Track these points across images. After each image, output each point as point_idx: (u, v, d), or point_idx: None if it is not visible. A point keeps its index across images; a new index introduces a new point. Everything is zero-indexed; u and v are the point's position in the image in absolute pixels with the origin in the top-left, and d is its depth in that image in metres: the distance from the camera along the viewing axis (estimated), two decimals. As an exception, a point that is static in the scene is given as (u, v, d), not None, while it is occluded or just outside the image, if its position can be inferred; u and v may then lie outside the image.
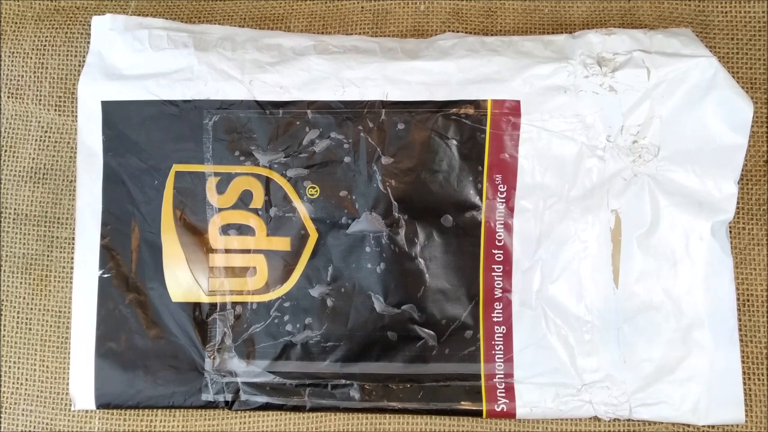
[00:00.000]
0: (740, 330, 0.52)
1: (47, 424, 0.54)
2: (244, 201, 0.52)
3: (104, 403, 0.52)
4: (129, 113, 0.53)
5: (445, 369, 0.51)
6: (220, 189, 0.52)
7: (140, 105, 0.53)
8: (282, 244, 0.52)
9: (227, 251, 0.52)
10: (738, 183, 0.51)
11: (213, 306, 0.52)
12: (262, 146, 0.52)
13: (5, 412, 0.54)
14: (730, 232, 0.53)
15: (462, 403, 0.51)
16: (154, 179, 0.53)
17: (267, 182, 0.52)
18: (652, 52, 0.51)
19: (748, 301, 0.52)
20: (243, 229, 0.52)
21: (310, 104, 0.52)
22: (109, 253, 0.53)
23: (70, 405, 0.53)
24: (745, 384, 0.51)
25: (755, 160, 0.54)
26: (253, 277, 0.52)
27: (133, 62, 0.54)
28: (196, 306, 0.52)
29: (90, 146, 0.54)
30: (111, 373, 0.52)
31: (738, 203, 0.52)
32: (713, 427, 0.51)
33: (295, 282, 0.52)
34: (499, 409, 0.50)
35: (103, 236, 0.53)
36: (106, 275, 0.53)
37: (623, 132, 0.51)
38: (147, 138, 0.53)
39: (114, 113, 0.53)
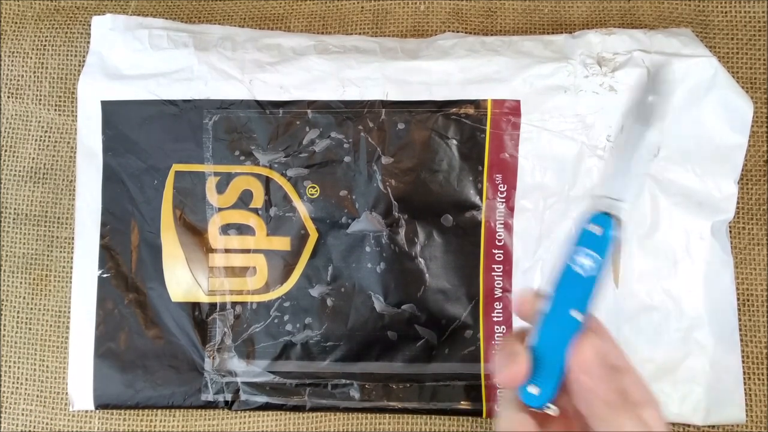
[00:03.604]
0: (740, 330, 0.52)
1: (47, 424, 0.54)
2: (244, 201, 0.52)
3: (103, 403, 0.52)
4: (129, 113, 0.53)
5: (445, 369, 0.51)
6: (220, 189, 0.52)
7: (140, 105, 0.53)
8: (282, 243, 0.52)
9: (227, 251, 0.52)
10: (738, 183, 0.51)
11: (213, 306, 0.52)
12: (262, 146, 0.52)
13: (5, 412, 0.54)
14: (730, 232, 0.53)
15: (462, 402, 0.51)
16: (154, 179, 0.53)
17: (267, 182, 0.52)
18: (651, 51, 0.51)
19: (748, 301, 0.52)
20: (243, 229, 0.52)
21: (310, 104, 0.52)
22: (108, 253, 0.53)
23: (69, 405, 0.53)
24: (745, 384, 0.51)
25: (755, 160, 0.54)
26: (253, 277, 0.52)
27: (133, 62, 0.54)
28: (196, 306, 0.52)
29: (90, 146, 0.54)
30: (110, 374, 0.52)
31: (738, 203, 0.52)
32: (714, 427, 0.51)
33: (295, 282, 0.52)
34: (499, 409, 0.51)
35: (102, 236, 0.53)
36: (105, 275, 0.53)
37: (623, 132, 0.51)
38: (147, 138, 0.53)
39: (114, 113, 0.53)
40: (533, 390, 0.33)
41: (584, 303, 0.33)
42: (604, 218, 0.34)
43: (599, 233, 0.34)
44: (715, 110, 0.50)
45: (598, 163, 0.51)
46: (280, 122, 0.52)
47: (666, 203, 0.50)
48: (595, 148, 0.51)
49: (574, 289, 0.33)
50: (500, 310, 0.51)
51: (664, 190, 0.51)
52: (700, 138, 0.51)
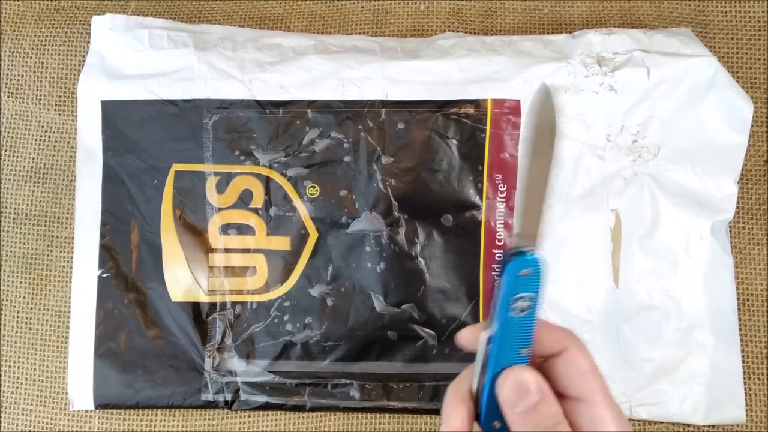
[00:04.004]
0: (740, 330, 0.52)
1: (47, 423, 0.54)
2: (244, 200, 0.52)
3: (103, 403, 0.52)
4: (129, 113, 0.53)
5: (445, 368, 0.51)
6: (220, 188, 0.52)
7: (140, 104, 0.53)
8: (282, 243, 0.52)
9: (227, 251, 0.52)
10: (738, 182, 0.51)
11: (213, 305, 0.52)
12: (262, 146, 0.52)
13: (5, 412, 0.54)
14: (730, 231, 0.53)
15: (462, 402, 0.51)
16: (154, 179, 0.53)
17: (267, 182, 0.52)
18: (651, 51, 0.51)
19: (748, 300, 0.52)
20: (243, 229, 0.52)
21: (310, 104, 0.52)
22: (108, 253, 0.53)
23: (69, 405, 0.53)
24: (745, 384, 0.51)
25: (755, 160, 0.54)
26: (253, 277, 0.52)
27: (133, 62, 0.54)
28: (196, 306, 0.52)
29: (90, 146, 0.54)
30: (110, 373, 0.52)
31: (738, 203, 0.52)
32: (713, 426, 0.51)
33: (295, 281, 0.52)
34: (499, 409, 0.50)
35: (102, 236, 0.53)
36: (105, 275, 0.53)
37: (623, 131, 0.51)
38: (147, 137, 0.53)
39: (114, 113, 0.53)
40: (497, 425, 0.33)
41: (529, 338, 0.33)
42: (531, 259, 0.33)
43: (530, 274, 0.33)
44: (715, 110, 0.50)
45: (598, 162, 0.51)
46: (280, 122, 0.52)
47: (666, 203, 0.50)
48: (595, 147, 0.51)
49: (517, 331, 0.33)
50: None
51: (664, 190, 0.51)
52: (700, 138, 0.51)
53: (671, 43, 0.51)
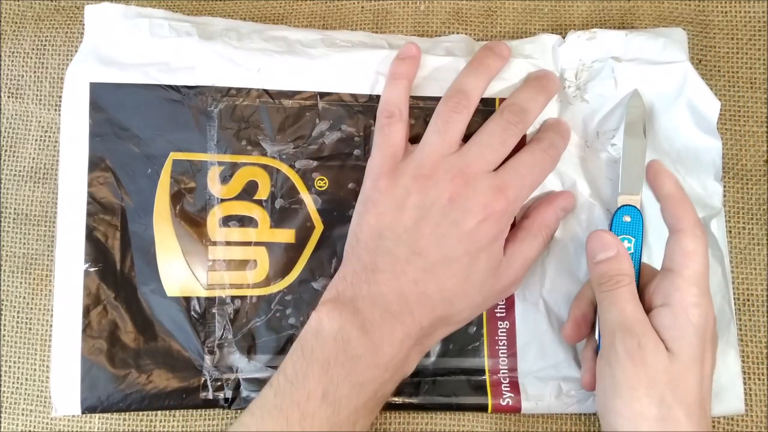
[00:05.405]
0: (740, 330, 0.52)
1: (47, 424, 0.54)
2: (248, 192, 0.51)
3: (91, 406, 0.50)
4: (122, 97, 0.51)
5: (449, 364, 0.51)
6: (224, 179, 0.51)
7: (136, 89, 0.51)
8: (286, 236, 0.51)
9: (228, 243, 0.51)
10: (721, 180, 0.51)
11: (211, 300, 0.51)
12: (270, 136, 0.51)
13: (5, 412, 0.54)
14: (730, 232, 0.53)
15: (467, 397, 0.51)
16: (147, 167, 0.51)
17: (274, 173, 0.51)
18: (623, 60, 0.51)
19: (748, 300, 0.53)
20: (245, 221, 0.51)
21: (322, 96, 0.51)
22: (95, 246, 0.51)
23: (53, 410, 0.51)
24: (745, 384, 0.51)
25: (755, 160, 0.54)
26: (254, 270, 0.51)
27: (131, 49, 0.52)
28: (193, 300, 0.51)
29: (74, 130, 0.51)
30: (99, 375, 0.50)
31: (738, 203, 0.52)
32: (713, 419, 0.51)
33: (298, 275, 0.51)
34: (504, 404, 0.50)
35: (88, 227, 0.51)
36: (92, 269, 0.51)
37: (599, 137, 0.51)
38: (142, 123, 0.51)
39: (103, 96, 0.51)
40: None
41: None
42: (630, 209, 0.47)
43: (629, 221, 0.47)
44: (685, 114, 0.51)
45: (578, 168, 0.52)
46: (289, 113, 0.51)
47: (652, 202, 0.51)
48: (574, 154, 0.52)
49: None
50: (503, 306, 0.51)
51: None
52: (676, 141, 0.51)
53: (651, 47, 0.52)
